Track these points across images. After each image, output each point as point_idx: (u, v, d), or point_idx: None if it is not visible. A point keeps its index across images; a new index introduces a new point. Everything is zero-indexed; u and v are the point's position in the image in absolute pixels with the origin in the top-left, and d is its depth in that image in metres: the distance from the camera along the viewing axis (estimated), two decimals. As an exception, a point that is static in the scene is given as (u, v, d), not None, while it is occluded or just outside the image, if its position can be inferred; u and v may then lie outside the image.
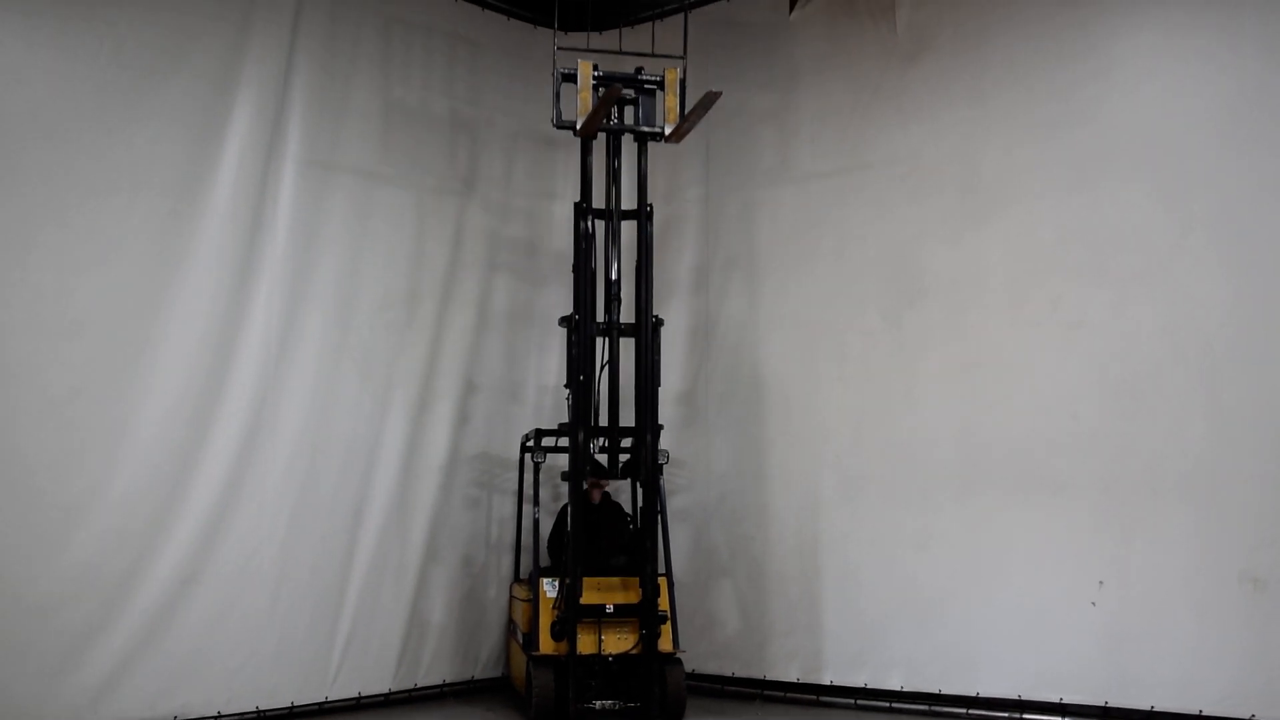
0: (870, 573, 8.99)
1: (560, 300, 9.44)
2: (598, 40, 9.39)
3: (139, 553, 7.72)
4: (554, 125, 8.45)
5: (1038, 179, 8.49)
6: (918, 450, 8.85)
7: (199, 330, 8.05)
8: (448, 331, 9.60)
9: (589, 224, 8.44)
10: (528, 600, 8.66)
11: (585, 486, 8.52)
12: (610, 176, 8.55)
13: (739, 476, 9.72)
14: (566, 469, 8.55)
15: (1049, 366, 8.34)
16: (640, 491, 8.65)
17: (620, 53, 8.70)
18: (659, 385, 8.57)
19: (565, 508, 8.80)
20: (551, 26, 9.05)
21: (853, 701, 8.93)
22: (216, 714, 8.02)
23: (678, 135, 8.37)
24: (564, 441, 8.84)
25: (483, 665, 9.78)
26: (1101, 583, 8.00)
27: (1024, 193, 8.55)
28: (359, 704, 8.86)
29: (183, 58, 8.08)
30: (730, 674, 9.56)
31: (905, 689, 8.76)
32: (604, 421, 8.61)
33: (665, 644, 8.29)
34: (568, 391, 8.50)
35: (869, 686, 8.91)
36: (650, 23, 8.93)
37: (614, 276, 8.50)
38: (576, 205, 8.50)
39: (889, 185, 9.14)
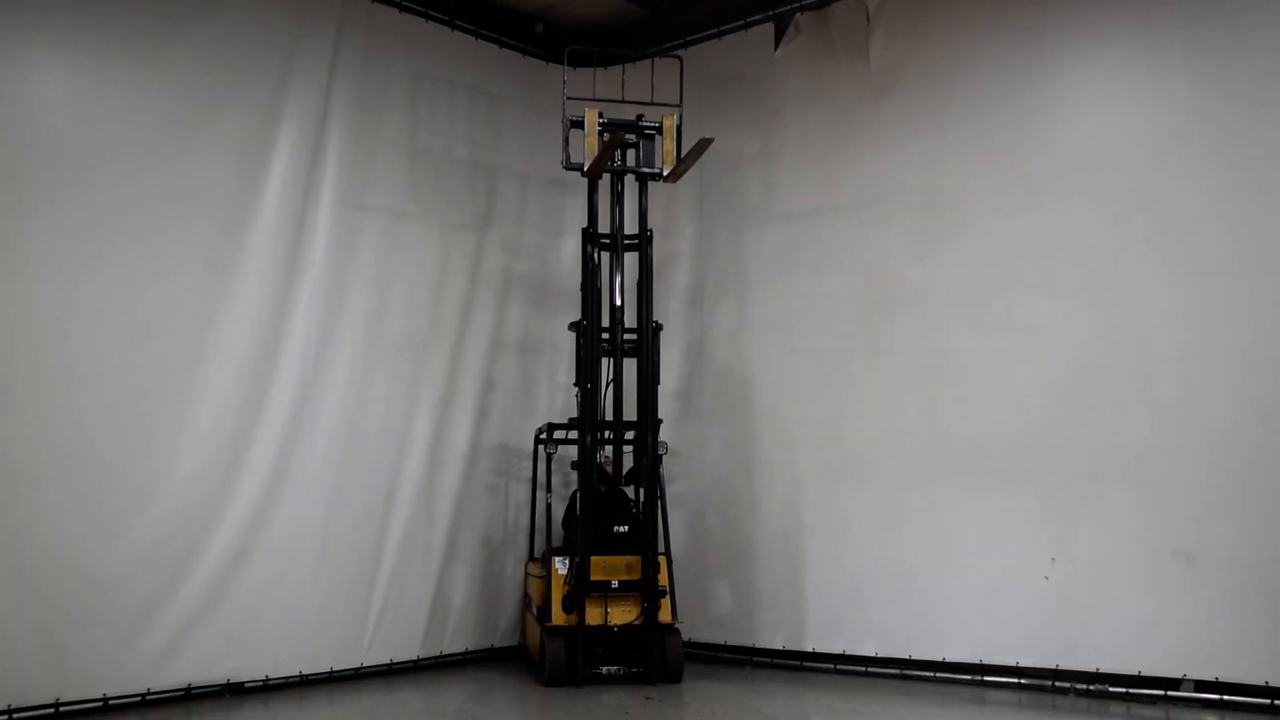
0: (847, 551, 9.03)
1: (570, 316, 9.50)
2: (602, 76, 9.50)
3: (197, 532, 7.83)
4: (564, 167, 8.54)
5: (994, 201, 8.57)
6: (889, 443, 8.90)
7: (248, 337, 8.15)
8: (470, 328, 9.58)
9: (595, 250, 8.54)
10: (541, 577, 8.75)
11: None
12: (615, 211, 8.64)
13: (730, 466, 9.72)
14: (576, 459, 8.66)
15: (1004, 368, 8.42)
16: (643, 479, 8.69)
17: (623, 101, 8.80)
18: (658, 384, 8.69)
19: (575, 494, 8.90)
20: (561, 63, 9.17)
21: (833, 666, 8.99)
22: (265, 678, 8.12)
23: (675, 176, 8.50)
24: (573, 434, 8.94)
25: (501, 635, 9.82)
26: (1053, 559, 8.08)
27: (982, 213, 8.62)
28: (391, 669, 8.93)
29: (236, 90, 8.16)
30: (723, 642, 9.61)
31: (879, 655, 8.84)
32: (610, 416, 8.70)
33: (665, 616, 8.39)
34: (576, 390, 8.65)
35: (847, 653, 8.97)
36: (650, 61, 9.05)
37: (618, 302, 8.59)
38: (584, 231, 8.62)
39: (862, 209, 9.16)
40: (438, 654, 9.29)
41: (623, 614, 8.36)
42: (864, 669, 8.88)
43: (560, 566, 8.54)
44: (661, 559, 8.50)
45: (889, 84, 9.12)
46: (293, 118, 8.47)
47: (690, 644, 9.39)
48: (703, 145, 7.88)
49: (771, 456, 9.50)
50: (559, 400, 10.18)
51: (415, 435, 9.21)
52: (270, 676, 8.16)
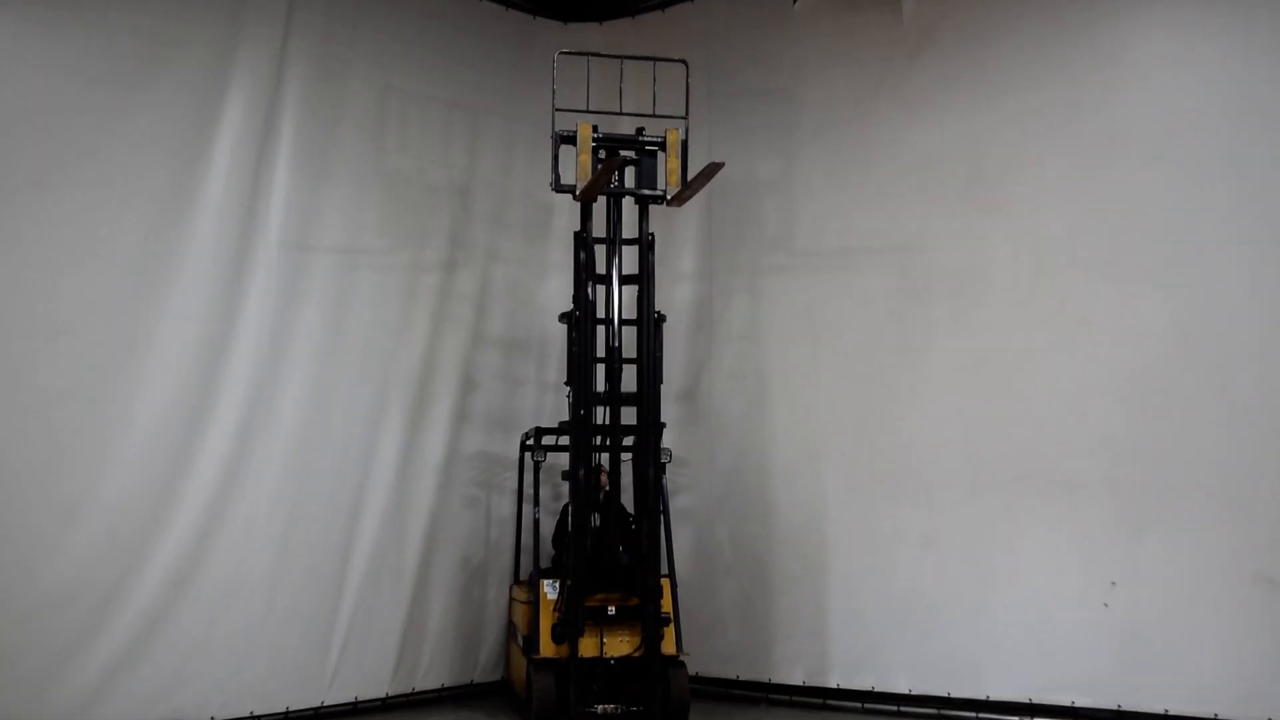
0: (876, 574, 8.90)
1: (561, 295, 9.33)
2: (599, 76, 8.97)
3: (131, 556, 7.64)
4: (553, 189, 8.29)
5: (1045, 173, 8.40)
6: (923, 449, 8.76)
7: (192, 329, 7.96)
8: (446, 326, 9.44)
9: (589, 241, 8.31)
10: (528, 602, 8.59)
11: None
12: (611, 233, 8.44)
13: (742, 475, 9.62)
14: (567, 469, 8.40)
15: (1057, 364, 8.25)
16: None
17: (620, 113, 8.58)
18: (661, 383, 8.44)
19: (567, 507, 8.69)
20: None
21: (860, 705, 8.86)
22: (211, 719, 7.92)
23: (679, 200, 8.26)
24: (565, 440, 8.72)
25: (482, 669, 9.67)
26: (1114, 584, 7.94)
27: (1031, 187, 8.47)
28: (355, 708, 8.76)
29: (176, 48, 7.96)
30: (734, 677, 9.47)
31: (913, 692, 8.67)
32: (606, 420, 8.39)
33: (668, 646, 8.20)
34: (568, 390, 8.37)
35: (876, 690, 8.82)
36: (651, 63, 8.61)
37: (614, 318, 8.32)
38: (577, 235, 8.37)
39: (893, 179, 9.03)
40: (410, 691, 9.13)
41: (621, 645, 8.17)
42: (896, 708, 8.71)
43: (549, 590, 8.34)
44: (665, 582, 8.32)
45: (924, 42, 8.96)
46: (244, 76, 8.28)
47: (698, 679, 9.26)
48: (712, 170, 7.71)
49: (790, 466, 9.38)
50: (548, 402, 10.00)
51: (384, 442, 9.05)
52: (216, 718, 7.96)
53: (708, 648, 9.45)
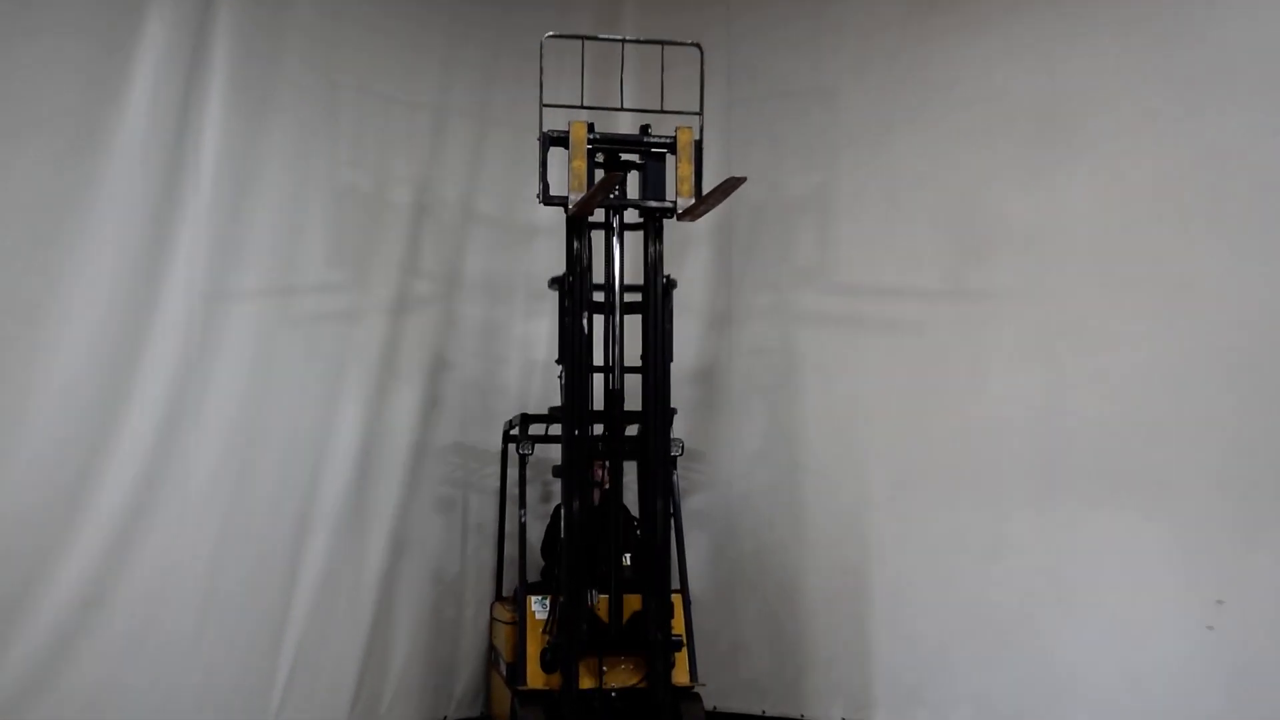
0: (929, 589, 8.73)
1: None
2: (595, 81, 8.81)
3: (29, 572, 7.33)
4: (540, 202, 7.99)
5: (1134, 108, 8.11)
6: (986, 440, 8.55)
7: (103, 296, 7.64)
8: (414, 295, 9.25)
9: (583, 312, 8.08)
10: (513, 623, 8.34)
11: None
12: (612, 256, 8.22)
13: (769, 473, 9.50)
14: (559, 463, 8.18)
15: (1149, 337, 8.02)
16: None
17: (621, 109, 8.40)
18: (671, 361, 8.13)
19: (559, 509, 8.63)
20: None
21: None
22: None
23: (692, 214, 8.03)
24: (556, 429, 8.50)
25: (458, 703, 9.45)
26: (1220, 602, 7.66)
27: (1117, 125, 8.19)
28: None
29: None
30: (760, 713, 9.31)
31: None
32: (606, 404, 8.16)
33: (680, 676, 7.93)
34: (560, 369, 8.08)
35: None
36: (659, 48, 8.44)
37: (615, 283, 8.01)
38: (561, 280, 8.16)
39: (951, 114, 8.88)
40: None
41: (624, 674, 7.87)
42: None
43: (538, 609, 8.10)
44: (676, 599, 8.08)
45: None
46: None
47: (716, 715, 9.05)
48: (731, 185, 7.49)
49: (826, 460, 9.27)
50: (536, 384, 9.75)
51: (340, 433, 8.83)
52: None
53: (727, 677, 9.28)
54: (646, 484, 8.18)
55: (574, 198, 7.88)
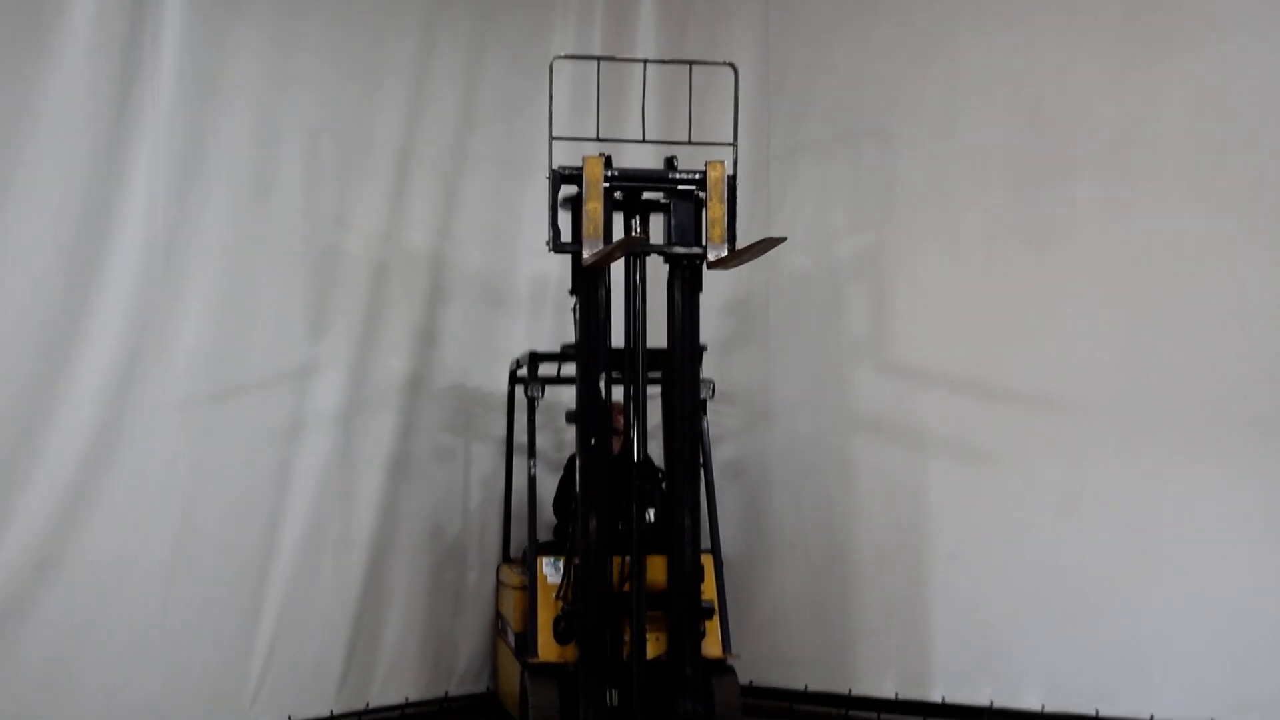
0: (996, 550, 8.62)
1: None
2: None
3: None
4: (550, 250, 7.86)
5: None
6: (1063, 380, 8.43)
7: (49, 217, 7.54)
8: (406, 211, 9.23)
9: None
10: (522, 588, 8.31)
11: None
12: (633, 305, 8.16)
13: (812, 419, 9.43)
14: (573, 408, 8.10)
15: (1252, 260, 7.88)
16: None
17: (643, 141, 8.18)
18: (700, 290, 8.05)
19: (573, 460, 8.49)
20: None
21: None
22: None
23: (725, 264, 7.86)
24: (569, 369, 8.44)
25: (460, 678, 9.45)
26: None
27: (1219, 14, 8.05)
28: None
29: None
30: (802, 687, 9.26)
31: (1048, 710, 8.36)
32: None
33: (712, 647, 7.92)
34: (574, 300, 7.92)
35: (996, 706, 8.55)
36: (686, 68, 8.34)
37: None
38: (576, 350, 8.10)
39: (1022, 3, 8.74)
40: (361, 708, 8.88)
41: (647, 645, 7.80)
42: None
43: (550, 572, 8.10)
44: (706, 560, 8.04)
45: None
46: None
47: (752, 690, 9.06)
48: (769, 244, 7.44)
49: (877, 403, 9.20)
50: (546, 318, 9.67)
51: (323, 374, 8.75)
52: None
53: (765, 648, 9.29)
54: (672, 431, 8.08)
55: (590, 245, 7.75)
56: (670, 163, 8.08)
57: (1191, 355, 8.04)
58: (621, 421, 8.43)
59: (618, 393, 8.49)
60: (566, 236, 7.89)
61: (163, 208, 7.95)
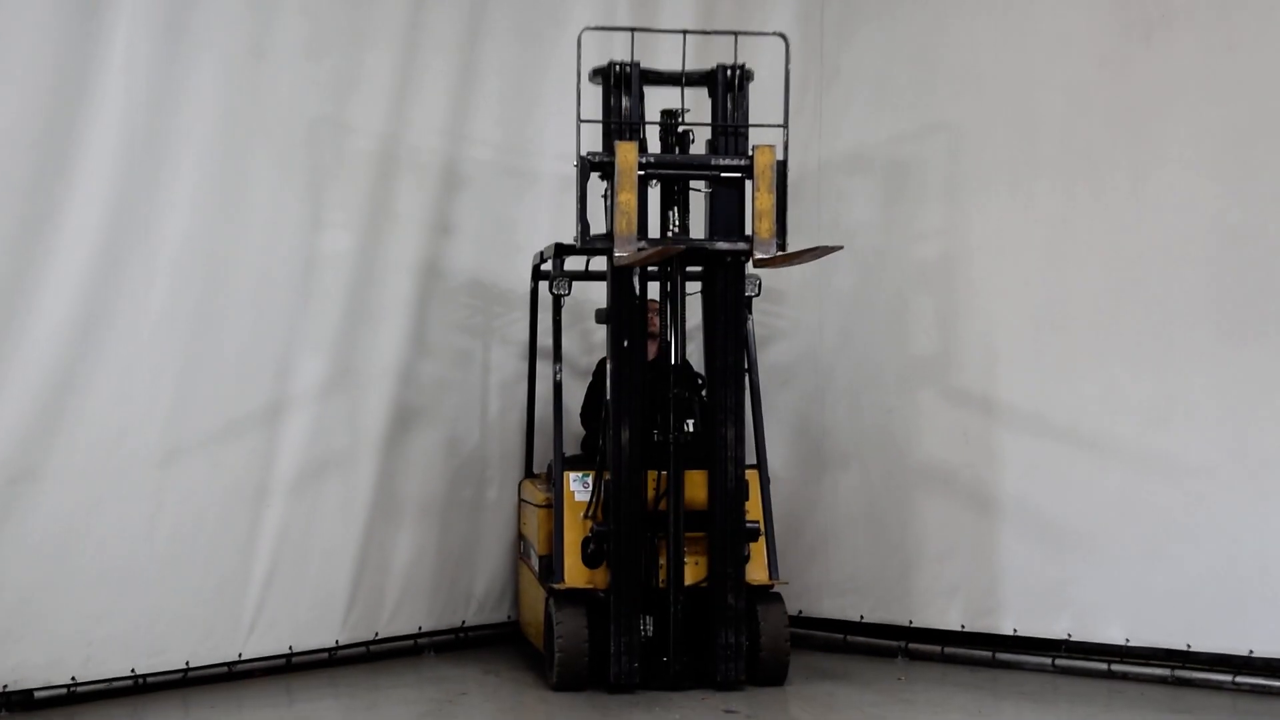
0: (1076, 465, 8.53)
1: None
2: None
3: None
4: (579, 247, 8.00)
5: None
6: (1152, 273, 8.32)
7: (19, 92, 7.39)
8: (415, 88, 9.09)
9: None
10: (547, 506, 8.34)
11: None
12: (670, 316, 8.35)
13: (867, 316, 9.41)
14: (604, 307, 8.18)
15: None
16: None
17: (681, 122, 8.26)
18: (744, 281, 8.25)
19: (603, 364, 8.47)
20: None
21: (1050, 661, 8.57)
22: (70, 681, 7.50)
23: (773, 262, 7.92)
24: (599, 264, 8.34)
25: (478, 605, 9.48)
26: None
27: None
28: (289, 664, 8.41)
29: None
30: (858, 618, 9.27)
31: (1132, 643, 8.31)
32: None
33: (757, 573, 7.99)
34: (605, 187, 7.88)
35: (1074, 639, 8.50)
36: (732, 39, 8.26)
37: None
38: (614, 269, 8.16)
39: None
40: (370, 637, 8.89)
41: (685, 569, 7.95)
42: (1105, 665, 8.38)
43: (578, 489, 8.14)
44: (752, 476, 8.09)
45: None
46: None
47: (800, 619, 9.15)
48: (822, 251, 7.69)
49: (943, 300, 9.16)
50: (569, 207, 9.04)
51: (325, 269, 8.66)
52: (79, 679, 7.55)
53: (815, 575, 9.38)
54: (714, 332, 8.10)
55: (622, 243, 7.71)
56: (713, 147, 8.13)
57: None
58: (657, 322, 8.42)
59: (653, 290, 8.44)
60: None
61: (144, 77, 7.80)
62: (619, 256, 7.86)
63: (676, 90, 8.34)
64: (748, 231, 7.98)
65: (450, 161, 9.30)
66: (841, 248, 7.73)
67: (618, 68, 8.09)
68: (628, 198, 7.77)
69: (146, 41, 7.82)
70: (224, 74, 8.20)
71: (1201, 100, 8.20)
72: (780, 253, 7.92)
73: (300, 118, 8.59)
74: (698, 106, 8.51)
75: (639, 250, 7.89)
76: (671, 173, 8.01)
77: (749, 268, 8.22)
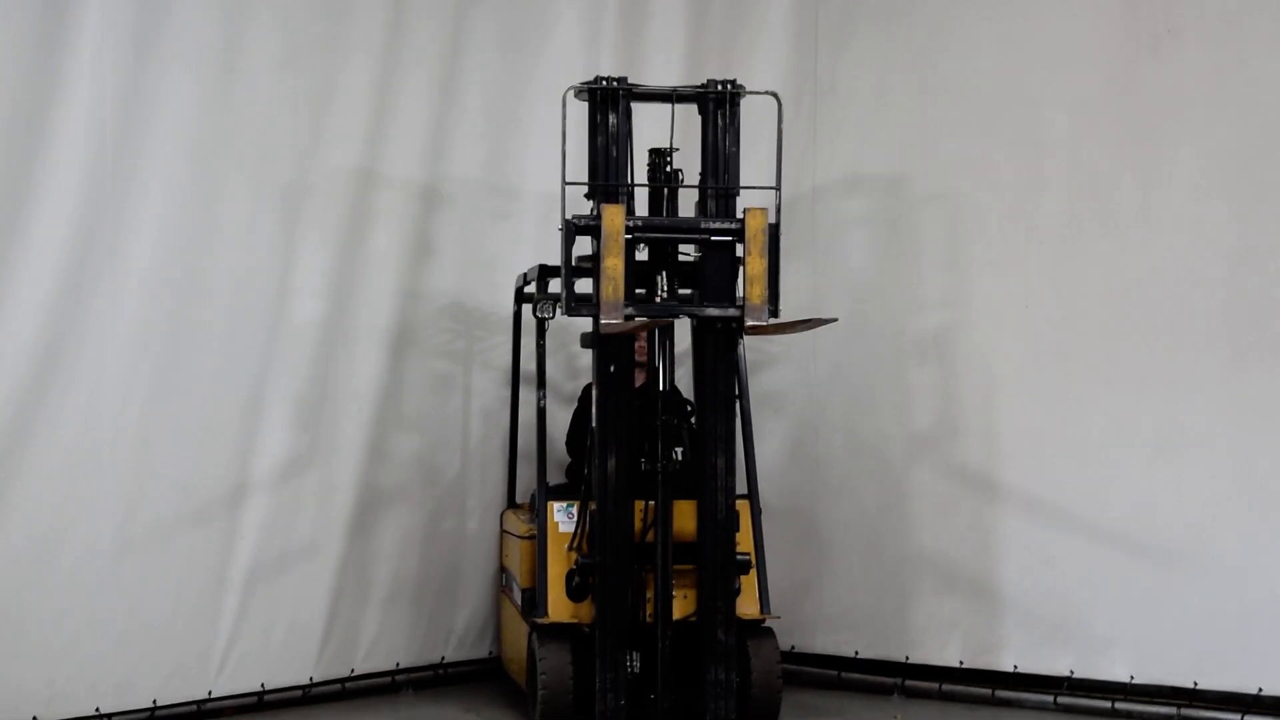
0: (1078, 495, 8.53)
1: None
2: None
3: None
4: (564, 313, 8.01)
5: None
6: (1158, 297, 8.29)
7: None
8: (394, 103, 9.07)
9: None
10: (530, 538, 8.30)
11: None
12: (658, 364, 8.38)
13: (865, 340, 9.29)
14: (589, 331, 8.03)
15: None
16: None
17: (667, 184, 8.34)
18: (737, 194, 8.11)
19: (588, 390, 8.46)
20: None
21: (1052, 699, 8.52)
22: None
23: (762, 328, 7.96)
24: (584, 285, 8.12)
25: (458, 641, 9.42)
26: None
27: None
28: (261, 702, 8.38)
29: None
30: (852, 654, 9.21)
31: (1137, 680, 8.24)
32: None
33: (748, 607, 7.94)
34: (591, 204, 7.89)
35: (1077, 676, 8.45)
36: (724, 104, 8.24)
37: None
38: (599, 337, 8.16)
39: None
40: (346, 674, 8.85)
41: (673, 602, 7.92)
42: (1109, 704, 8.33)
43: (562, 519, 8.10)
44: (743, 506, 8.05)
45: None
46: None
47: (793, 655, 9.06)
48: (818, 322, 7.84)
49: (940, 325, 9.13)
50: (554, 225, 8.97)
51: (301, 289, 8.66)
52: (42, 719, 7.52)
53: (808, 609, 9.32)
54: (704, 357, 8.05)
55: (608, 309, 7.70)
56: (703, 208, 8.21)
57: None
58: (645, 347, 8.45)
59: (641, 313, 8.35)
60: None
61: (113, 89, 7.80)
62: (605, 325, 7.85)
63: (666, 108, 8.17)
64: (739, 294, 8.01)
65: (431, 179, 9.28)
66: (836, 319, 7.78)
67: (604, 82, 7.95)
68: (614, 263, 7.76)
69: (114, 55, 7.83)
70: (194, 87, 8.20)
71: (1210, 116, 8.20)
72: (773, 320, 7.92)
73: (275, 132, 8.56)
74: (688, 124, 8.36)
75: (626, 320, 7.78)
76: (659, 236, 8.04)
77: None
